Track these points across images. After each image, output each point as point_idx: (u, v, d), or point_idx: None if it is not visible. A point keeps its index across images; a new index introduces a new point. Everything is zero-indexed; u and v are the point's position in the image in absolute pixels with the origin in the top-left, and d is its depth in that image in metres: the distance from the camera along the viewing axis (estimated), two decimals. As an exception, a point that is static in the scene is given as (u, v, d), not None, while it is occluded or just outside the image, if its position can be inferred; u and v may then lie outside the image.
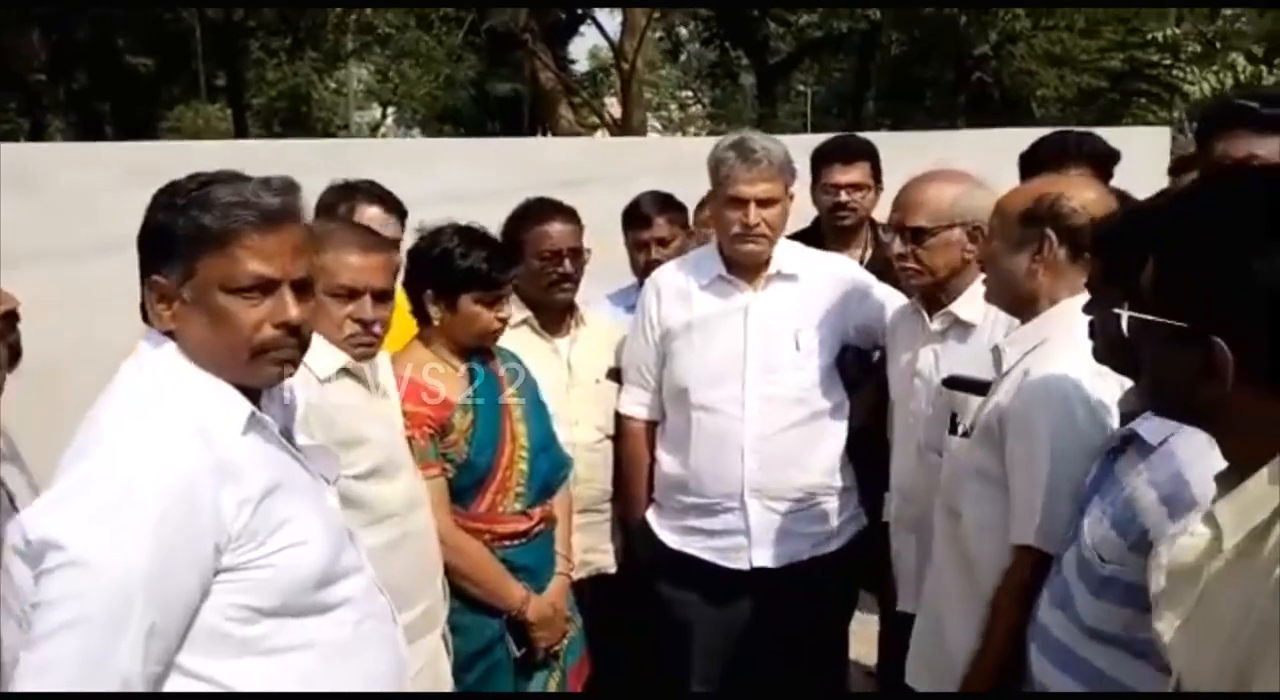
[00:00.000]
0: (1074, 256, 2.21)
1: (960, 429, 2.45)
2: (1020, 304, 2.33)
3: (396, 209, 3.31)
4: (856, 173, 3.74)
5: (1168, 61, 20.67)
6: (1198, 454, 1.64)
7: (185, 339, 1.65)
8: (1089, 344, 1.99)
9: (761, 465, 3.01)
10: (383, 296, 2.40)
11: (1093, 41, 23.78)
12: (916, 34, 25.69)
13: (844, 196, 3.71)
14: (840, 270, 3.22)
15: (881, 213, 3.52)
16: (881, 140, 4.04)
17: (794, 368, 3.03)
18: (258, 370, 1.67)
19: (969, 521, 2.27)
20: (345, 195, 3.27)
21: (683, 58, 35.11)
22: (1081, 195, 2.23)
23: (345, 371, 2.33)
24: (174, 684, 1.56)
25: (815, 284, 3.11)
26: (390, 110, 37.52)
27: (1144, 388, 1.41)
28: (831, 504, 3.11)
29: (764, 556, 3.06)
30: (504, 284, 2.71)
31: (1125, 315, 1.32)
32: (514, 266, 2.78)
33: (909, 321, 2.92)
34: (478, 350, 2.80)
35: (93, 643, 1.47)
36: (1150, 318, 1.27)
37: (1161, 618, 1.30)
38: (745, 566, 3.07)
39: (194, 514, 1.53)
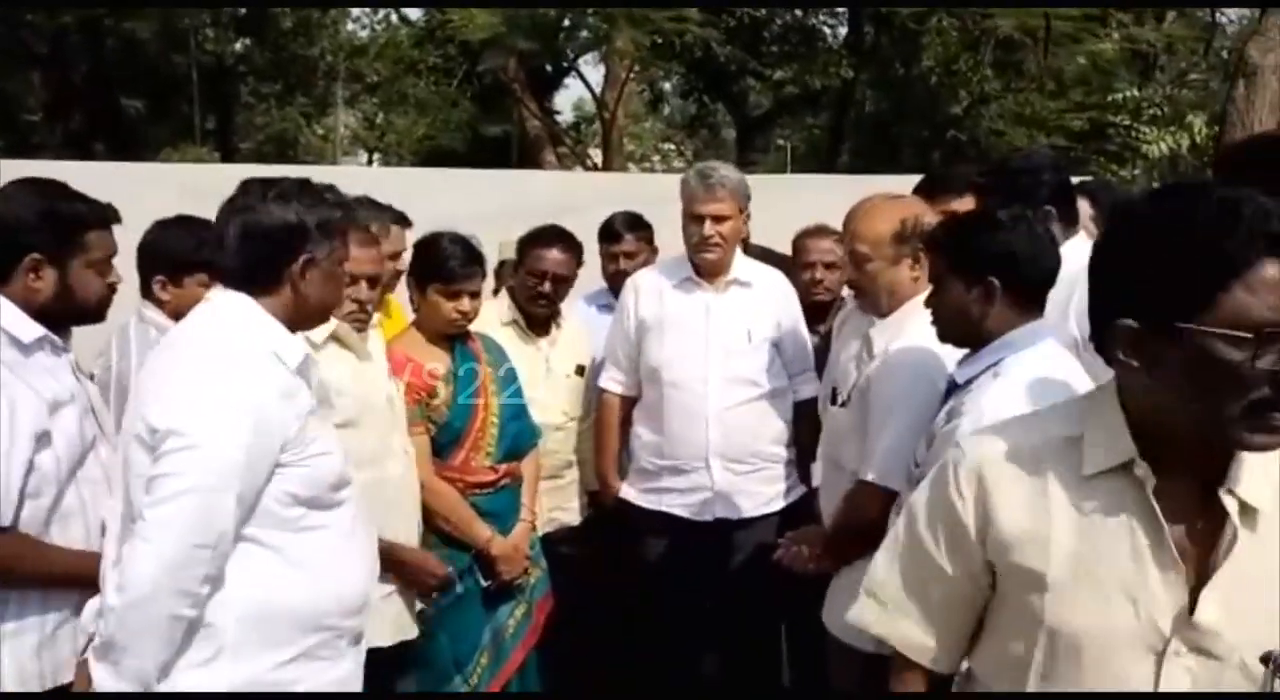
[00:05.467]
0: None
1: (839, 399, 2.99)
2: (899, 305, 2.86)
3: (402, 220, 3.73)
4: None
5: (1127, 122, 21.46)
6: (979, 393, 2.23)
7: (298, 296, 2.21)
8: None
9: (723, 432, 3.60)
10: (374, 281, 2.93)
11: (1058, 102, 24.53)
12: (890, 93, 26.48)
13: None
14: (783, 283, 3.84)
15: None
16: (861, 183, 4.61)
17: (746, 355, 3.65)
18: (328, 318, 2.39)
19: (849, 471, 2.80)
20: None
21: (666, 111, 35.89)
22: (927, 213, 2.80)
23: (334, 338, 2.84)
24: (237, 549, 2.09)
25: (765, 291, 3.75)
26: (376, 156, 38.18)
27: None
28: (778, 470, 3.71)
29: (725, 509, 3.65)
30: (460, 280, 3.20)
31: None
32: (474, 266, 3.26)
33: (854, 318, 3.47)
34: (460, 335, 3.31)
35: (202, 502, 2.02)
36: None
37: None
38: (709, 518, 3.64)
39: (271, 417, 2.09)
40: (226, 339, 2.15)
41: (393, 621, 2.97)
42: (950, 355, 2.55)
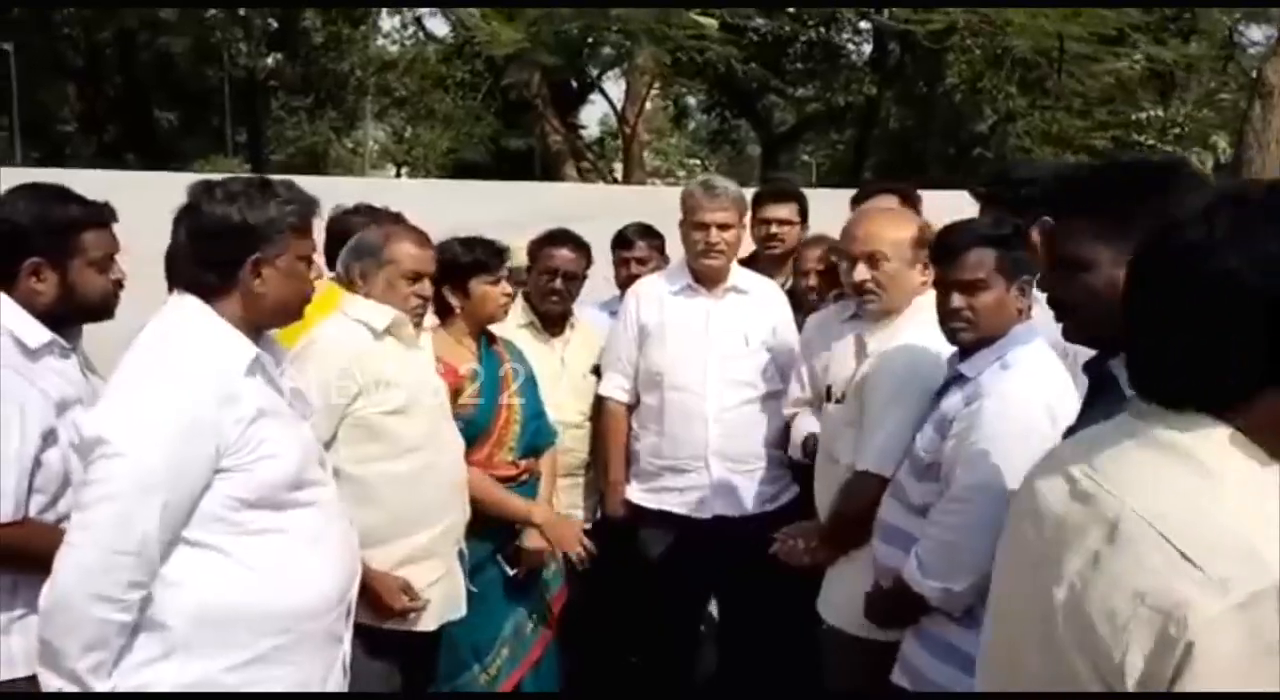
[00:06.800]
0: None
1: (834, 398, 3.16)
2: (908, 304, 3.03)
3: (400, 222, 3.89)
4: (785, 210, 4.37)
5: (1151, 141, 21.55)
6: (995, 380, 2.38)
7: (251, 296, 2.20)
8: (932, 329, 2.69)
9: (722, 432, 3.75)
10: (432, 279, 3.14)
11: (1084, 121, 24.62)
12: (914, 110, 26.60)
13: (774, 229, 4.32)
14: (776, 293, 4.02)
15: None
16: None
17: (744, 359, 3.81)
18: (298, 314, 2.34)
19: (844, 464, 2.95)
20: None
21: (691, 126, 36.12)
22: (930, 225, 2.99)
23: (387, 331, 2.99)
24: (183, 553, 2.12)
25: (760, 299, 3.92)
26: (404, 169, 38.61)
27: None
28: (773, 471, 3.85)
29: (723, 506, 3.79)
30: (499, 266, 3.42)
31: None
32: (504, 253, 3.47)
33: (838, 320, 3.62)
34: (487, 338, 3.48)
35: (122, 509, 2.04)
36: None
37: None
38: (708, 516, 3.77)
39: (202, 425, 2.10)
40: (165, 345, 2.17)
41: (435, 608, 3.09)
42: (941, 353, 2.72)
